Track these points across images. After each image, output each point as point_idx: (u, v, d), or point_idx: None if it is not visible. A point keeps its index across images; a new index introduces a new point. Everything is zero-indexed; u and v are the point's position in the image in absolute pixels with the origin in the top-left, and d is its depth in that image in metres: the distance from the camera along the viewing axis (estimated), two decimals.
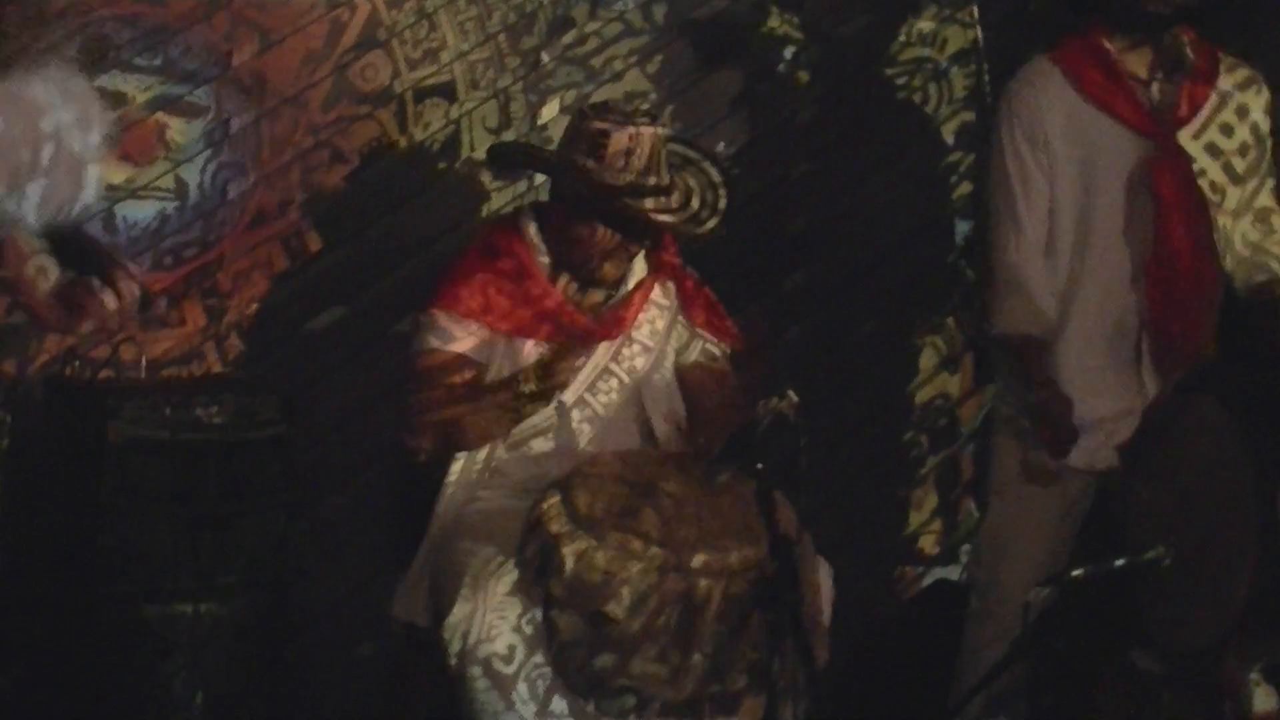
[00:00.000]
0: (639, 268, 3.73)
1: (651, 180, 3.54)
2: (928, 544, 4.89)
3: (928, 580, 4.82)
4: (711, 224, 3.63)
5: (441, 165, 4.35)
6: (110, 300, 2.37)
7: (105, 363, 3.97)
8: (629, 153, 3.52)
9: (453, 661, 3.33)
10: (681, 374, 3.75)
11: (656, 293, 3.74)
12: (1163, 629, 3.42)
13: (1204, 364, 3.73)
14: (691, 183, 3.66)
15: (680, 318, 3.76)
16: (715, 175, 3.70)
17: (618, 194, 3.51)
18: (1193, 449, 3.37)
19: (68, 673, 3.70)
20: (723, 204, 3.65)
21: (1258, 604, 3.21)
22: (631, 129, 3.52)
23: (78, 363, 3.97)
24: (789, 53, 4.67)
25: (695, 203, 3.63)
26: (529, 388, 3.52)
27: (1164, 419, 3.48)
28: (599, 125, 3.53)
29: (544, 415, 3.61)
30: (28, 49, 2.49)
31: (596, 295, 3.69)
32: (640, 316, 3.71)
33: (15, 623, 3.87)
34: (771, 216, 4.67)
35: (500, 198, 4.39)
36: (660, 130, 3.59)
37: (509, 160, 4.02)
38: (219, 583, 3.72)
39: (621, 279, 3.68)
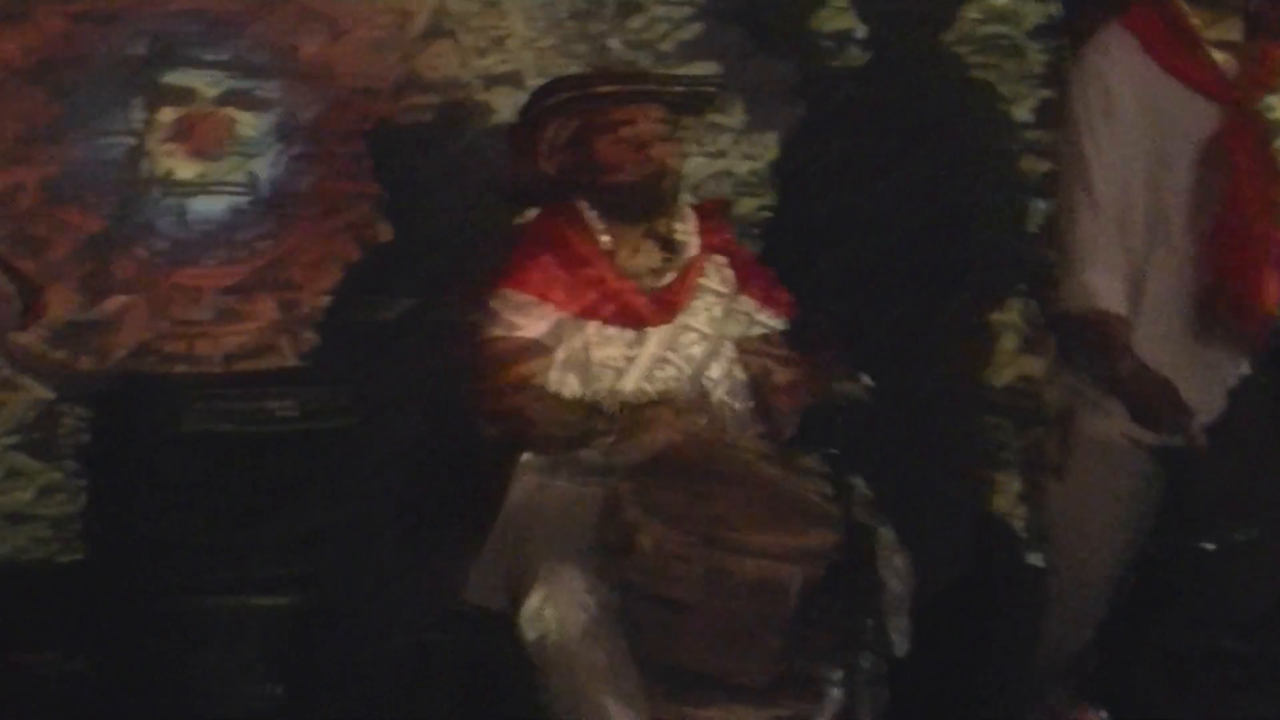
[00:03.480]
0: (692, 242, 3.72)
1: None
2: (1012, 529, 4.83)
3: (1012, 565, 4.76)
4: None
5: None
6: None
7: (181, 357, 4.00)
8: None
9: (527, 650, 3.32)
10: (743, 357, 3.73)
11: (713, 279, 3.72)
12: (1252, 608, 3.35)
13: None
14: None
15: (737, 303, 3.74)
16: None
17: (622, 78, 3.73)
18: None
19: (140, 663, 3.73)
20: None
21: None
22: None
23: (153, 358, 4.00)
24: (856, 32, 4.62)
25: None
26: (605, 437, 3.52)
27: (1251, 395, 3.41)
28: None
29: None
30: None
31: (653, 258, 3.68)
32: (696, 304, 3.69)
33: (94, 612, 3.90)
34: (842, 196, 4.62)
35: None
36: None
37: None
38: (293, 574, 3.74)
39: (674, 181, 3.66)
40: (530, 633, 3.31)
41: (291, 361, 4.18)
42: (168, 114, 4.10)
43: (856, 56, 4.63)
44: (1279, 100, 3.83)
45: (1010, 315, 4.79)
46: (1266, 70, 3.79)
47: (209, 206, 4.15)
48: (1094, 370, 3.85)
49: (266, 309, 4.19)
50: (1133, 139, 3.76)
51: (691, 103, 3.77)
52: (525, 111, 3.78)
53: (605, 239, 3.68)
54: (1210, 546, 3.32)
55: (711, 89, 3.79)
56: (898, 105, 4.65)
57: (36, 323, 2.98)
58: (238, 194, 4.17)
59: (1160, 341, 3.79)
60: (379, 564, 3.94)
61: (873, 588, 3.14)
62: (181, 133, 4.11)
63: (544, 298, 3.61)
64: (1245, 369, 3.76)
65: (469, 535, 3.72)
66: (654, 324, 3.65)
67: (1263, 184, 3.73)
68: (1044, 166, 4.75)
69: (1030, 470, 4.81)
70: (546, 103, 3.71)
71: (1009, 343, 4.80)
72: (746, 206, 4.54)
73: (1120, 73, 3.76)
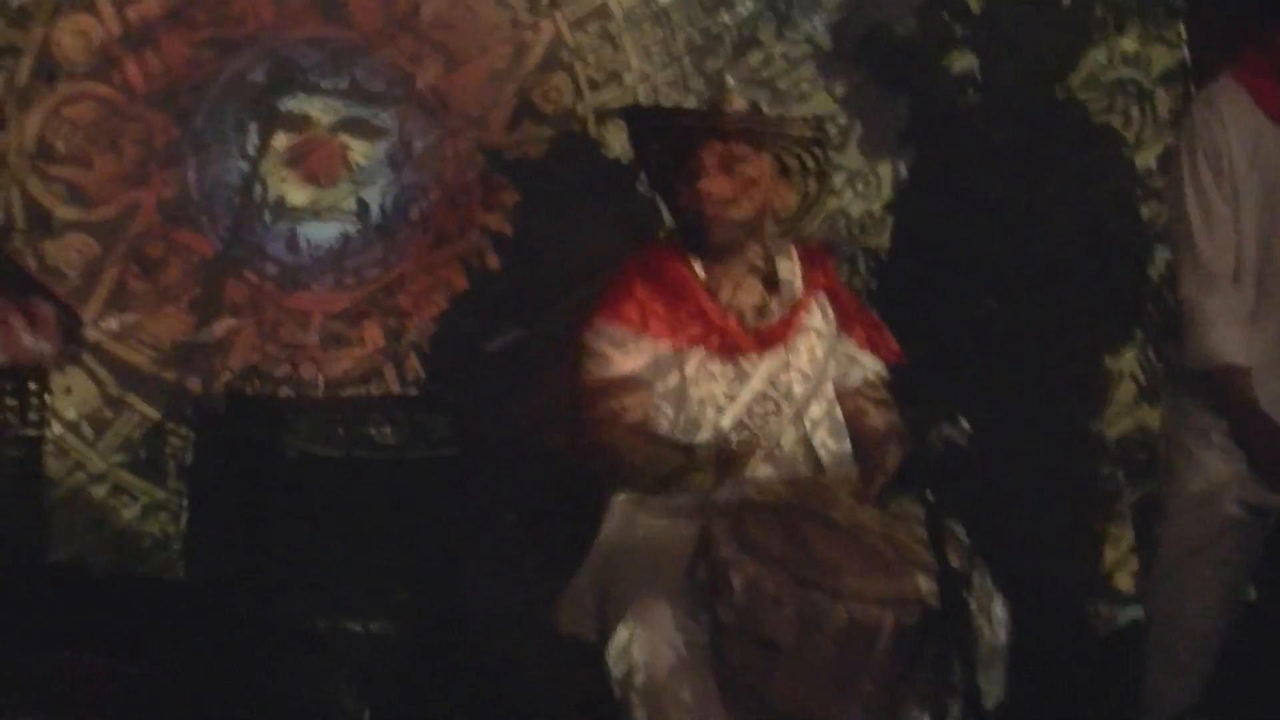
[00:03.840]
0: (797, 282, 3.68)
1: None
2: (1124, 581, 4.73)
3: (1123, 618, 4.66)
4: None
5: (622, 187, 4.33)
6: (26, 337, 2.28)
7: (285, 381, 4.03)
8: None
9: (616, 689, 3.30)
10: (841, 400, 3.68)
11: (816, 319, 3.69)
12: None
13: None
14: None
15: (839, 343, 3.70)
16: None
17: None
18: None
19: (236, 680, 3.74)
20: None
21: None
22: None
23: (259, 380, 4.04)
24: (977, 73, 4.57)
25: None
26: (701, 475, 3.49)
27: None
28: None
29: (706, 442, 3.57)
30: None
31: (756, 295, 3.65)
32: (798, 342, 3.65)
33: (194, 628, 3.93)
34: (957, 241, 4.56)
35: None
36: None
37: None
38: (390, 600, 3.74)
39: (734, 222, 3.62)
40: (617, 668, 3.28)
41: (395, 388, 4.20)
42: (283, 140, 4.14)
43: (975, 98, 4.58)
44: None
45: (1128, 364, 4.70)
46: None
47: (320, 232, 4.18)
48: (1218, 425, 3.76)
49: (373, 335, 4.22)
50: (1243, 194, 3.68)
51: (799, 144, 3.70)
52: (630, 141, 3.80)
53: (702, 273, 3.65)
54: None
55: (769, 127, 3.67)
56: (1013, 148, 4.59)
57: (75, 351, 2.97)
58: (348, 221, 4.20)
59: (1275, 394, 3.70)
60: (474, 591, 3.94)
61: (967, 636, 3.07)
62: (295, 158, 4.15)
63: (642, 330, 3.59)
64: None
65: (562, 565, 3.71)
66: (755, 358, 3.62)
67: None
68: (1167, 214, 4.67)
69: (1144, 522, 4.72)
70: (634, 137, 3.73)
71: (1126, 393, 4.71)
72: (860, 246, 4.50)
73: (1230, 128, 3.68)
